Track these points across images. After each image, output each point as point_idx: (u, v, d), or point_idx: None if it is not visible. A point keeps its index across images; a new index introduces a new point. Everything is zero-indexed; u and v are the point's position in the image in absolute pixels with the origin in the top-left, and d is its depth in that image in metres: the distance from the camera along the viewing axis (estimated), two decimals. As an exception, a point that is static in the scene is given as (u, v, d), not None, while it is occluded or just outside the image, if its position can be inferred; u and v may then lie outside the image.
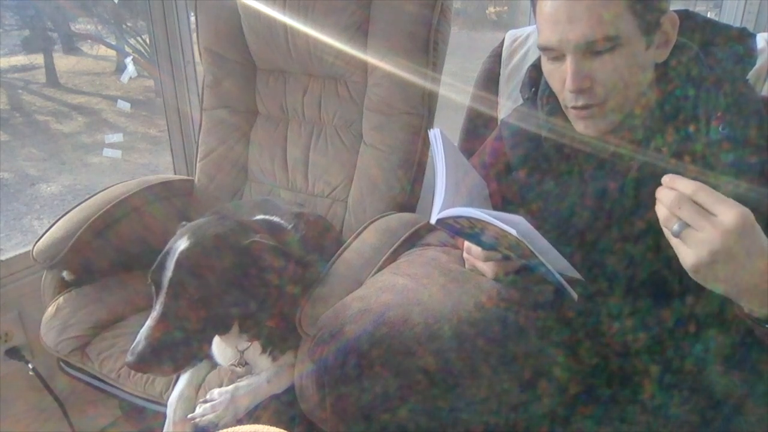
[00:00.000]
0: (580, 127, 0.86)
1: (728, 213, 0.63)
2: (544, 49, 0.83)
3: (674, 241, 0.67)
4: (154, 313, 0.90)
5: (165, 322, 0.89)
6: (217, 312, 0.93)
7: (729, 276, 0.65)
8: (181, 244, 0.92)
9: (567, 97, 0.83)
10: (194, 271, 0.90)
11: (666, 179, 0.69)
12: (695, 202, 0.65)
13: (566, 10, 0.77)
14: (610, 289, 0.90)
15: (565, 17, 0.77)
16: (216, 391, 1.03)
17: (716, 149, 0.81)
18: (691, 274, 0.67)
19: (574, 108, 0.83)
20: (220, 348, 1.08)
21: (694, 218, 0.64)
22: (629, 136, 0.87)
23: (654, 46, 0.81)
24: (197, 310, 0.91)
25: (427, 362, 0.82)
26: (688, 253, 0.65)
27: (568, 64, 0.80)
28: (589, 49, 0.78)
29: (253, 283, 0.96)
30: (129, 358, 0.88)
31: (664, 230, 0.68)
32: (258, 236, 0.98)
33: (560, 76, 0.82)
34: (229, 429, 0.60)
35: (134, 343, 0.88)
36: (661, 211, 0.68)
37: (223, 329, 0.98)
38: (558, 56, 0.82)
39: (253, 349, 1.06)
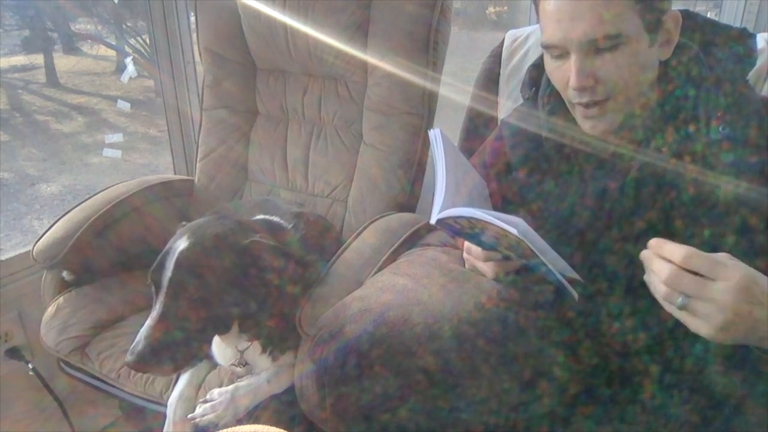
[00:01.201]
0: (586, 126, 0.86)
1: (728, 275, 0.62)
2: (547, 47, 0.83)
3: (680, 314, 0.65)
4: (154, 313, 0.89)
5: (165, 322, 0.89)
6: (217, 312, 0.93)
7: (749, 331, 0.64)
8: (181, 243, 0.92)
9: (571, 94, 0.84)
10: (194, 271, 0.90)
11: (654, 245, 0.67)
12: (690, 271, 0.63)
13: (569, 9, 0.77)
14: (610, 289, 0.90)
15: (568, 16, 0.77)
16: (216, 391, 1.03)
17: (716, 149, 0.81)
18: (709, 339, 0.65)
19: (580, 104, 0.83)
20: (220, 348, 1.07)
21: (696, 290, 0.63)
22: (629, 136, 0.87)
23: (657, 44, 0.81)
24: (197, 310, 0.91)
25: (427, 362, 0.82)
26: (700, 325, 0.64)
27: (572, 62, 0.80)
28: (592, 47, 0.78)
29: (253, 283, 0.96)
30: (129, 357, 0.88)
31: (664, 304, 0.66)
32: (258, 236, 0.98)
33: (563, 75, 0.83)
34: (229, 429, 0.60)
35: (134, 343, 0.88)
36: (659, 288, 0.66)
37: (223, 329, 0.97)
38: (561, 54, 0.82)
39: (253, 349, 1.06)
